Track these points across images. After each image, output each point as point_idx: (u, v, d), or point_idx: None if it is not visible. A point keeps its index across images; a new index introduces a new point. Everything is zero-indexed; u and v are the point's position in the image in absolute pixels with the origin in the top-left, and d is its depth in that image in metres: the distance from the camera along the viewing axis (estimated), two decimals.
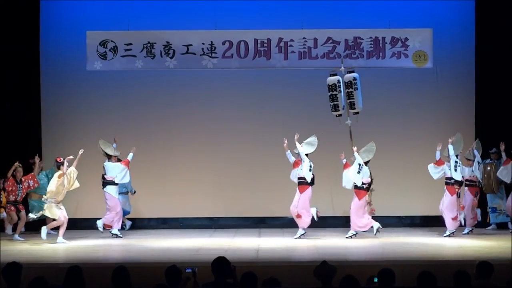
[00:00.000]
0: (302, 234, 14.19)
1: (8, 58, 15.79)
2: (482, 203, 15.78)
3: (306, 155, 14.36)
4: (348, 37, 15.53)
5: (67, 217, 13.78)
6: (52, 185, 13.62)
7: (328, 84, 14.55)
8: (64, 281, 7.06)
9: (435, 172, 14.54)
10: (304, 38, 15.51)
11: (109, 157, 14.89)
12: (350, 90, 14.45)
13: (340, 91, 14.50)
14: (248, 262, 10.61)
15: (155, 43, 15.47)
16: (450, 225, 14.38)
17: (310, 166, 14.31)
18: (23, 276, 7.12)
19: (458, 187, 14.36)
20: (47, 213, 13.81)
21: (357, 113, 14.57)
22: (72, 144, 15.97)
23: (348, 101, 14.49)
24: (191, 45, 15.45)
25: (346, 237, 14.10)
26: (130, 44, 15.49)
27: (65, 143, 16.04)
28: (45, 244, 13.43)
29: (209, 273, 7.27)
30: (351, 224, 14.30)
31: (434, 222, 16.23)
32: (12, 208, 14.59)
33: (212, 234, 14.96)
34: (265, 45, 15.48)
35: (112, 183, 14.70)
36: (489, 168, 15.35)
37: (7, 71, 15.81)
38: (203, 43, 15.49)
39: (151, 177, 15.45)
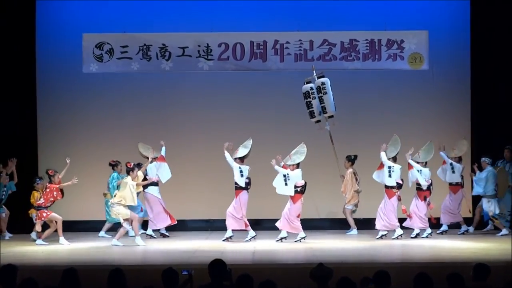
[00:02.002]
0: (252, 237, 14.13)
1: (4, 60, 15.75)
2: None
3: (242, 159, 14.28)
4: (344, 39, 15.56)
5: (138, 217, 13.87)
6: (122, 191, 13.46)
7: (303, 92, 14.63)
8: (60, 283, 7.05)
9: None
10: (300, 40, 15.54)
11: (148, 159, 14.89)
12: (320, 95, 14.52)
13: (314, 98, 14.57)
14: (244, 264, 10.61)
15: (151, 45, 15.48)
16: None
17: (241, 171, 14.18)
18: (19, 278, 7.10)
19: (397, 190, 14.29)
20: (116, 216, 13.65)
21: (331, 116, 14.64)
22: (68, 146, 16.00)
23: (321, 105, 14.55)
24: (187, 47, 15.47)
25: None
26: (126, 46, 15.50)
27: (61, 145, 16.03)
28: (41, 246, 13.41)
29: (205, 275, 7.27)
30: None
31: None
32: (45, 214, 13.84)
33: (208, 236, 14.95)
34: (261, 47, 15.50)
35: (153, 184, 14.70)
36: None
37: (3, 73, 15.77)
38: (199, 46, 15.51)
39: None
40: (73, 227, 15.61)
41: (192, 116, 16.42)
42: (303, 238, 13.86)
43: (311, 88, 14.57)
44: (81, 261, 11.43)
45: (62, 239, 13.73)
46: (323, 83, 14.51)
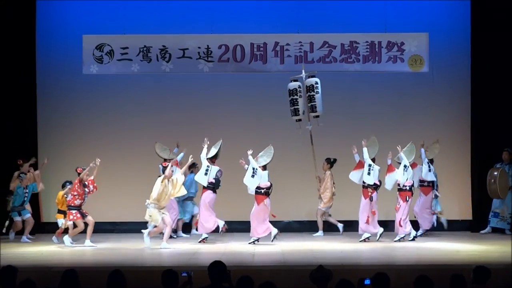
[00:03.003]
0: (204, 238, 14.16)
1: (5, 62, 15.74)
2: (478, 208, 15.80)
3: (211, 159, 14.25)
4: (344, 41, 15.55)
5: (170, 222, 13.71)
6: (155, 190, 13.35)
7: (289, 89, 14.71)
8: (60, 285, 7.05)
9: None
10: (300, 42, 15.54)
11: (165, 160, 14.95)
12: (312, 93, 14.62)
13: (300, 96, 14.65)
14: (244, 266, 10.61)
15: (151, 47, 15.48)
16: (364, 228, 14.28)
17: (206, 170, 14.16)
18: (19, 280, 7.09)
19: (372, 191, 14.26)
20: (147, 218, 13.53)
21: (317, 116, 14.74)
22: (68, 148, 16.01)
23: (310, 104, 14.68)
24: (187, 49, 15.46)
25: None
26: (126, 48, 15.50)
27: (61, 147, 16.03)
28: (41, 248, 13.41)
29: (205, 277, 7.27)
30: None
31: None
32: (78, 214, 13.76)
33: (208, 238, 14.93)
34: (261, 49, 15.50)
35: None
36: (495, 173, 15.28)
37: (3, 75, 15.76)
38: (199, 47, 15.50)
39: (147, 180, 15.34)
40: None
41: (191, 117, 16.41)
42: (257, 240, 13.85)
43: (299, 87, 14.70)
44: (81, 263, 11.42)
45: (88, 241, 13.63)
46: (316, 82, 14.71)
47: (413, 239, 14.17)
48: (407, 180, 14.15)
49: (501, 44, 15.70)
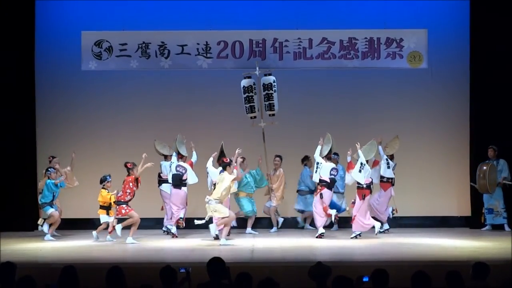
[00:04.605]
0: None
1: (3, 58, 15.73)
2: (477, 204, 15.80)
3: (180, 155, 14.54)
4: (343, 37, 15.55)
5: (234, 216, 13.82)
6: (222, 189, 13.21)
7: (244, 86, 14.67)
8: (59, 281, 7.05)
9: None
10: (299, 38, 15.54)
11: (165, 156, 14.98)
12: (270, 92, 14.60)
13: (256, 93, 14.59)
14: (243, 262, 10.61)
15: (150, 43, 15.48)
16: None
17: (170, 165, 14.60)
18: (18, 276, 7.10)
19: (321, 187, 14.37)
20: (212, 213, 13.41)
21: (273, 115, 14.65)
22: (67, 144, 15.98)
23: (268, 102, 14.60)
24: (186, 45, 15.47)
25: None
26: (125, 44, 15.50)
27: (60, 143, 16.01)
28: (40, 244, 13.41)
29: (203, 273, 7.27)
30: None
31: (429, 223, 16.28)
32: (129, 207, 13.69)
33: (207, 234, 14.93)
34: (260, 45, 15.51)
35: (166, 181, 14.87)
36: (484, 167, 15.32)
37: (1, 71, 15.74)
38: (198, 43, 15.51)
39: (146, 176, 15.36)
40: (72, 225, 15.64)
41: (190, 113, 16.41)
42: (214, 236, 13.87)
43: (254, 84, 14.72)
44: (80, 259, 11.42)
45: (130, 238, 13.58)
46: (274, 81, 14.70)
47: (384, 231, 14.38)
48: (364, 178, 14.12)
49: (500, 40, 15.68)
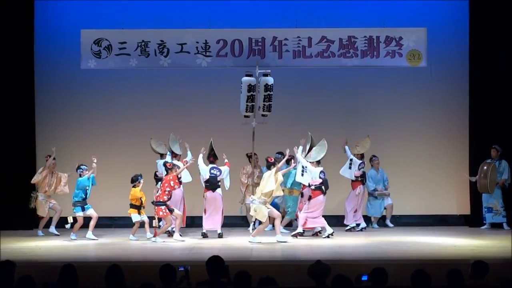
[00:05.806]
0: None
1: (2, 56, 15.72)
2: (476, 203, 15.80)
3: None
4: (343, 36, 15.51)
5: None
6: (270, 184, 13.20)
7: (249, 84, 14.48)
8: (58, 279, 7.05)
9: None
10: (298, 37, 15.50)
11: (161, 155, 14.95)
12: (270, 93, 14.49)
13: (259, 92, 14.56)
14: (242, 261, 10.61)
15: (149, 41, 15.44)
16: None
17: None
18: (17, 275, 7.09)
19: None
20: (252, 213, 13.45)
21: (266, 115, 14.66)
22: (66, 143, 16.00)
23: (268, 103, 14.51)
24: (185, 43, 15.43)
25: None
26: (125, 42, 15.46)
27: (59, 142, 15.97)
28: (39, 242, 13.41)
29: (202, 271, 7.27)
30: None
31: (428, 221, 16.28)
32: (167, 210, 13.62)
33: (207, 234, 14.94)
34: (260, 44, 15.47)
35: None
36: (485, 167, 15.30)
37: (1, 70, 15.73)
38: (197, 42, 15.47)
39: (145, 175, 15.35)
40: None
41: (189, 112, 16.41)
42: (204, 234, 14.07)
43: (253, 82, 14.63)
44: (79, 258, 11.43)
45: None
46: (272, 82, 14.57)
47: (327, 236, 14.01)
48: (311, 179, 14.11)
49: (500, 38, 15.69)
